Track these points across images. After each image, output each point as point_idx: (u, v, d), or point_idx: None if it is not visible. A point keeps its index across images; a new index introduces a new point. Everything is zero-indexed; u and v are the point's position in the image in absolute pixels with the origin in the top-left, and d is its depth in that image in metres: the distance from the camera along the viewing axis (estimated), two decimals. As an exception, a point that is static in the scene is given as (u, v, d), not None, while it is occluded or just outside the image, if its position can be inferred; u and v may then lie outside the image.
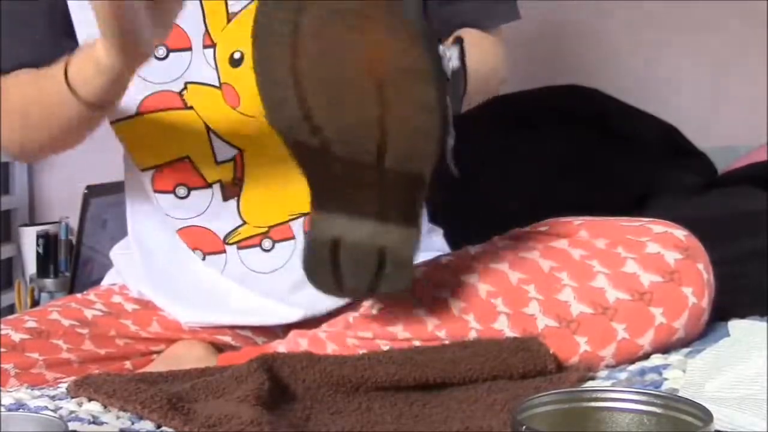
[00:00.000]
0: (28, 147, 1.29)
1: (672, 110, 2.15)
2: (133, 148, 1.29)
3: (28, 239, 2.56)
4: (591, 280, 1.15)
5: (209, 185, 1.26)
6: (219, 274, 1.30)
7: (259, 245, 1.28)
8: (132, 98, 1.24)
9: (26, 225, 2.64)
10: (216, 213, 1.27)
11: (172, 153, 1.26)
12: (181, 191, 1.27)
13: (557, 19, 2.28)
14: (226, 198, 1.27)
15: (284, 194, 1.25)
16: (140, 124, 1.26)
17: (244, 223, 1.28)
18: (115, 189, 2.01)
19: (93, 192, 2.01)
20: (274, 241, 1.28)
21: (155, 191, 1.29)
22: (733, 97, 2.30)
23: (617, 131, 2.05)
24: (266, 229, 1.27)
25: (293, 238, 1.27)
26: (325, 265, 1.08)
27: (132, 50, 1.04)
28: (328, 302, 1.27)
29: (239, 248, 1.28)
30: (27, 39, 1.26)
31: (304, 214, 1.26)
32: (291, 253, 1.27)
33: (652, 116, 2.11)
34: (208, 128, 1.25)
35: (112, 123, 1.28)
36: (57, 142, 1.26)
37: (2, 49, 1.26)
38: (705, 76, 2.32)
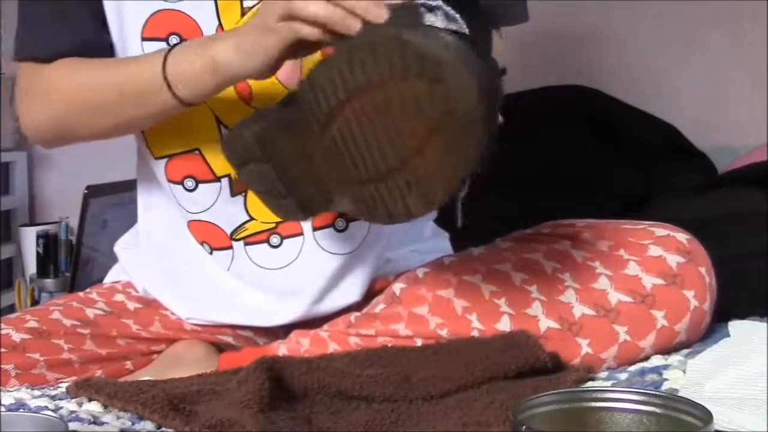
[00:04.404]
0: (70, 132, 1.28)
1: (672, 110, 2.16)
2: (148, 134, 1.28)
3: (28, 239, 2.56)
4: (593, 282, 1.15)
5: (218, 179, 1.25)
6: (225, 272, 1.29)
7: (267, 241, 1.27)
8: None
9: (26, 225, 2.64)
10: (223, 208, 1.26)
11: (183, 144, 1.26)
12: (189, 183, 1.27)
13: (558, 19, 2.28)
14: (234, 194, 1.26)
15: None
16: None
17: (251, 218, 1.27)
18: (115, 189, 2.02)
19: (93, 192, 2.01)
20: (283, 237, 1.27)
21: (168, 181, 1.28)
22: (733, 97, 2.30)
23: (618, 131, 2.06)
24: (274, 225, 1.27)
25: (302, 233, 1.27)
26: None
27: (275, 68, 1.08)
28: (333, 301, 1.27)
29: (246, 244, 1.27)
30: (70, 28, 1.25)
31: None
32: (300, 249, 1.27)
33: (652, 116, 2.11)
34: (218, 121, 1.24)
35: None
36: (119, 129, 1.26)
37: (44, 38, 1.26)
38: (705, 77, 2.32)
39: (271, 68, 1.08)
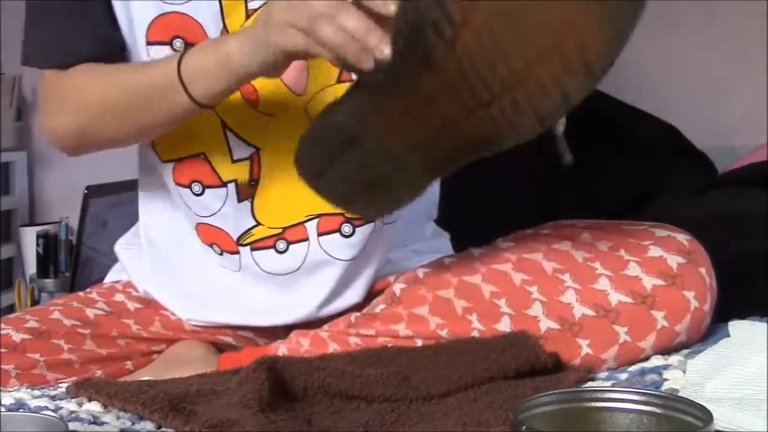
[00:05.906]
0: (93, 140, 1.26)
1: (672, 110, 2.16)
2: (157, 137, 1.27)
3: (28, 239, 2.56)
4: (593, 283, 1.15)
5: (224, 184, 1.25)
6: (228, 273, 1.29)
7: (273, 247, 1.27)
8: None
9: (26, 225, 2.64)
10: (230, 214, 1.26)
11: (188, 148, 1.25)
12: (196, 188, 1.26)
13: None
14: (241, 199, 1.26)
15: (300, 195, 1.21)
16: None
17: (258, 224, 1.27)
18: (115, 189, 2.02)
19: (93, 192, 2.01)
20: (289, 243, 1.26)
21: (176, 184, 1.27)
22: (733, 97, 2.30)
23: (618, 131, 2.06)
24: (281, 230, 1.26)
25: (307, 239, 1.26)
26: None
27: (282, 66, 1.09)
28: (337, 304, 1.27)
29: (253, 249, 1.27)
30: (86, 31, 1.23)
31: (320, 215, 1.25)
32: (306, 254, 1.27)
33: (652, 116, 2.11)
34: (224, 125, 1.23)
35: None
36: (140, 134, 1.25)
37: (62, 44, 1.24)
38: (705, 77, 2.32)
39: (278, 67, 1.08)
